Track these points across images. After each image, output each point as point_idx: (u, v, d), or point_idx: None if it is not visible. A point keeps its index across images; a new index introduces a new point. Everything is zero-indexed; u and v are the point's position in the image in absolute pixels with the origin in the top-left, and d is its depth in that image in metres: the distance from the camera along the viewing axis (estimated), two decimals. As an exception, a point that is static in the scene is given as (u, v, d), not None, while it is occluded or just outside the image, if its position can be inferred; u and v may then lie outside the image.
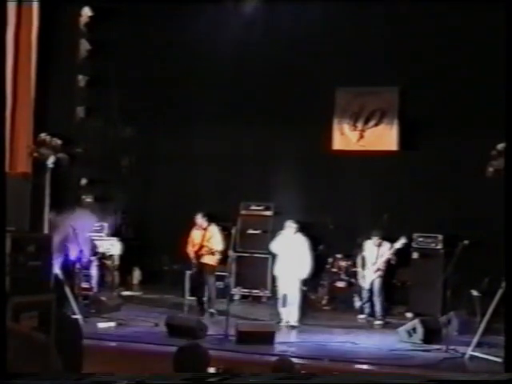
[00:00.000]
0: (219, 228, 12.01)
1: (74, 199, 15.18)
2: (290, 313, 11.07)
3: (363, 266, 11.83)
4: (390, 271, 11.99)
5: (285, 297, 11.08)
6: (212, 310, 11.51)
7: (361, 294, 11.95)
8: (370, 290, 11.71)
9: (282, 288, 11.18)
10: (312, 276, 11.69)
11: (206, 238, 11.76)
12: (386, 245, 11.71)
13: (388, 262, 11.71)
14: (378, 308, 11.60)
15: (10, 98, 14.09)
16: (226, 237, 11.79)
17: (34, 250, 4.76)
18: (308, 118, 13.42)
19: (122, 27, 14.79)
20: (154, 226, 14.62)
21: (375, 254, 11.70)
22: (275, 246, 11.35)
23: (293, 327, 10.93)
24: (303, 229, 11.46)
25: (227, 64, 13.86)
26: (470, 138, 12.23)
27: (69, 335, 4.77)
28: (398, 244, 11.63)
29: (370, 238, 11.81)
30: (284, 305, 11.11)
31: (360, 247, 12.10)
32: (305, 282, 11.65)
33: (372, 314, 11.69)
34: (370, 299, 11.72)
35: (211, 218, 12.00)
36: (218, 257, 11.77)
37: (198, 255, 11.79)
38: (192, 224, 11.97)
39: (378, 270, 11.65)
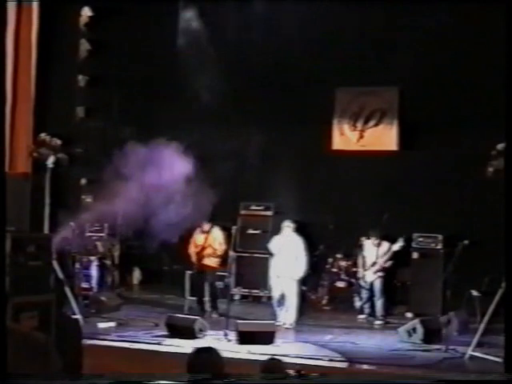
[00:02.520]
0: (220, 229, 12.02)
1: (74, 199, 15.18)
2: (286, 314, 11.03)
3: (363, 265, 11.84)
4: (390, 272, 11.99)
5: (282, 297, 11.08)
6: (214, 315, 11.45)
7: (361, 293, 11.96)
8: (370, 290, 11.72)
9: (277, 288, 11.16)
10: (312, 276, 11.71)
11: (210, 241, 11.78)
12: (385, 244, 11.71)
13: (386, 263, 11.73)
14: (378, 308, 11.61)
15: (9, 98, 14.10)
16: (226, 237, 11.80)
17: (33, 249, 4.75)
18: (308, 118, 13.42)
19: (121, 27, 14.79)
20: (154, 226, 14.57)
21: (375, 254, 11.70)
22: (273, 245, 11.40)
23: (287, 329, 10.84)
24: (303, 228, 11.50)
25: (227, 65, 13.85)
26: (470, 138, 12.23)
27: (69, 335, 4.77)
28: (396, 246, 11.64)
29: (369, 238, 11.83)
30: (280, 305, 11.10)
31: (360, 247, 12.11)
32: (304, 282, 11.68)
33: (372, 314, 11.69)
34: (370, 299, 11.72)
35: (213, 220, 12.01)
36: (220, 259, 11.77)
37: (200, 257, 11.80)
38: (192, 222, 11.97)
39: (378, 270, 11.65)
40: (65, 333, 4.75)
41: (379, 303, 11.59)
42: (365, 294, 11.81)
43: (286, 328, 10.84)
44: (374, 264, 11.69)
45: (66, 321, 5.01)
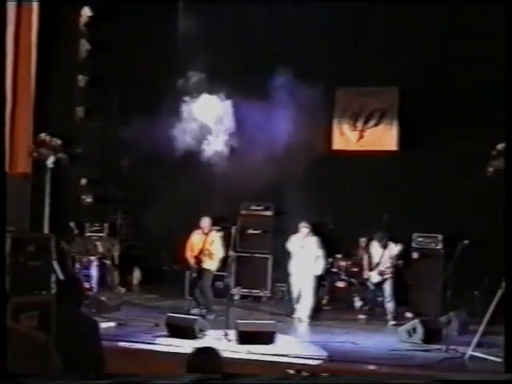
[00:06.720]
0: (219, 231, 12.00)
1: (74, 199, 15.19)
2: (302, 308, 11.65)
3: (369, 266, 11.83)
4: (398, 273, 11.96)
5: (299, 293, 11.72)
6: (210, 317, 11.43)
7: (365, 293, 12.00)
8: (375, 291, 11.73)
9: (296, 285, 11.80)
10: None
11: (208, 243, 11.73)
12: (392, 245, 11.69)
13: (395, 265, 11.73)
14: (390, 310, 11.58)
15: (9, 98, 14.10)
16: (227, 237, 11.78)
17: (33, 249, 4.75)
18: (307, 118, 13.40)
19: (121, 27, 14.79)
20: (154, 226, 14.60)
21: (380, 255, 11.69)
22: (291, 245, 11.91)
23: (303, 321, 11.55)
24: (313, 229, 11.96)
25: (226, 64, 13.83)
26: (470, 138, 12.23)
27: (88, 335, 4.82)
28: (395, 250, 11.65)
29: (374, 239, 11.81)
30: (298, 301, 11.72)
31: (366, 248, 12.17)
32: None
33: (371, 314, 11.73)
34: (374, 299, 11.75)
35: (213, 223, 12.01)
36: (216, 263, 11.72)
37: (198, 260, 11.72)
38: (193, 227, 11.94)
39: (383, 272, 11.62)
40: (84, 333, 4.80)
41: (390, 305, 11.58)
42: (369, 295, 11.83)
43: (301, 320, 11.58)
44: (378, 265, 11.68)
45: (84, 320, 5.04)
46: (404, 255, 12.09)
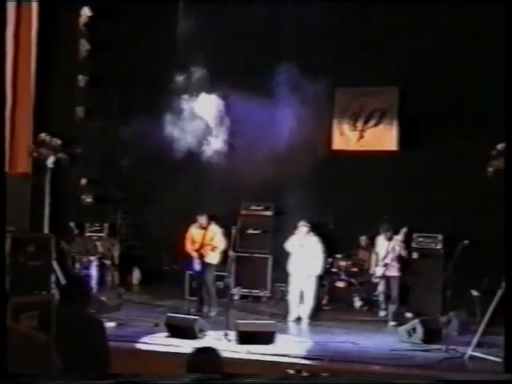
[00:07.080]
0: (220, 227, 12.00)
1: (74, 199, 15.20)
2: (303, 308, 11.60)
3: (376, 262, 11.83)
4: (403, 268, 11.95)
5: (300, 293, 11.62)
6: (211, 314, 11.45)
7: (377, 290, 12.07)
8: (384, 286, 11.76)
9: (296, 285, 11.68)
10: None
11: (208, 238, 11.74)
12: (396, 238, 11.66)
13: (400, 257, 11.70)
14: (393, 309, 11.58)
15: (9, 98, 14.11)
16: (227, 236, 11.78)
17: (33, 249, 4.75)
18: (307, 118, 13.40)
19: (121, 27, 14.79)
20: (154, 226, 14.61)
21: (385, 248, 11.66)
22: (289, 245, 11.78)
23: (302, 321, 11.52)
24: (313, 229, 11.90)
25: (225, 64, 13.83)
26: (470, 138, 12.24)
27: (94, 335, 4.83)
28: (399, 236, 11.62)
29: (379, 232, 11.81)
30: (300, 301, 11.63)
31: (370, 245, 12.18)
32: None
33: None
34: (385, 295, 11.81)
35: (211, 218, 12.02)
36: (219, 255, 11.75)
37: (201, 254, 11.74)
38: (191, 222, 11.98)
39: (389, 265, 11.61)
40: (89, 332, 4.81)
41: (394, 307, 11.58)
42: (381, 289, 11.88)
43: (301, 320, 11.53)
44: (384, 257, 11.64)
45: (89, 320, 5.05)
46: (407, 243, 12.11)
